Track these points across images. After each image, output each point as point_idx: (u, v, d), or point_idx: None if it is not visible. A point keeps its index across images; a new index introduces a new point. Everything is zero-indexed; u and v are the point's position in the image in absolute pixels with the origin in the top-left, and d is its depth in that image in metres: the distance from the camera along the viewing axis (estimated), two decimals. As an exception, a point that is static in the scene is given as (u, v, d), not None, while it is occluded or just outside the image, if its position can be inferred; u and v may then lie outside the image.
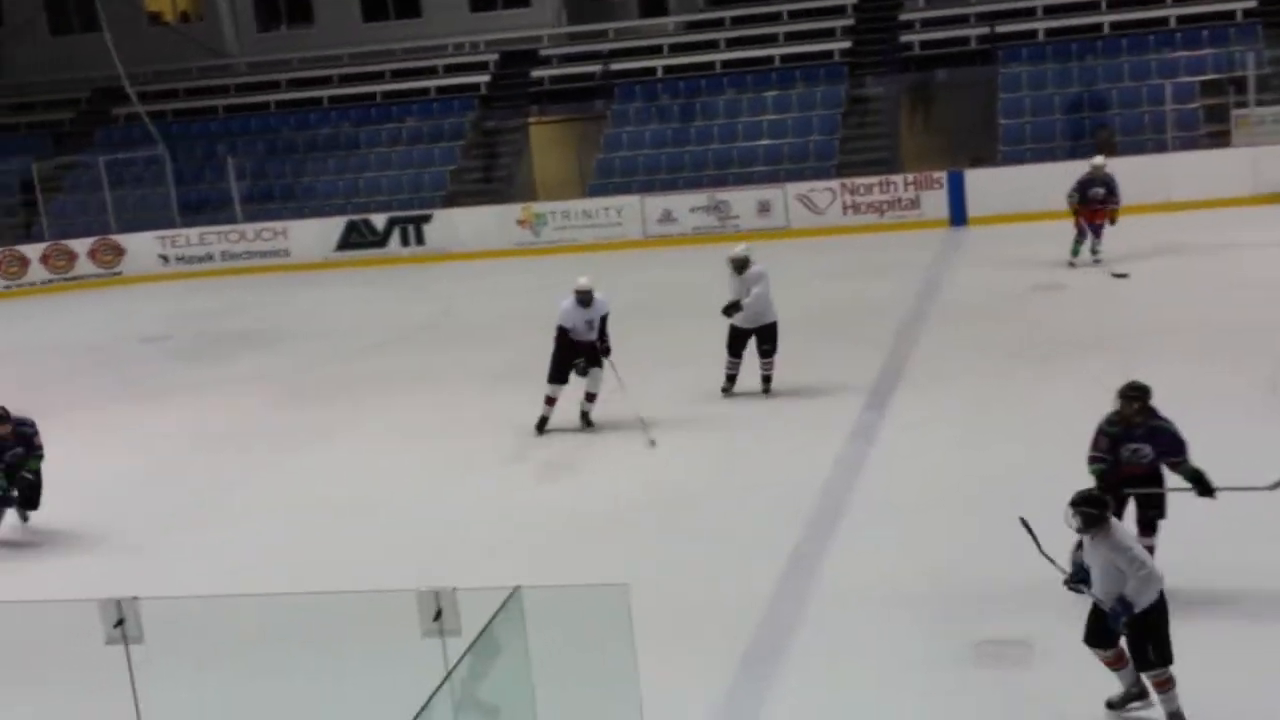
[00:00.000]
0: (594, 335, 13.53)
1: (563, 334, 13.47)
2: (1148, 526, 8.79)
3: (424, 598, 7.04)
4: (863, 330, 16.78)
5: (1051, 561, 7.41)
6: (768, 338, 14.26)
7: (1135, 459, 8.67)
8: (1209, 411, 11.96)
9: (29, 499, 11.62)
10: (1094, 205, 18.84)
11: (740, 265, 14.11)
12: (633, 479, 12.15)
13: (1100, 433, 8.77)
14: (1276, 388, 12.78)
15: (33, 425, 11.65)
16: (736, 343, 14.34)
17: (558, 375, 13.56)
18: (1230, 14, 26.38)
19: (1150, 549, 8.21)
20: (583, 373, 13.47)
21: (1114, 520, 7.35)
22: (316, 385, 17.02)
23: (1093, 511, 7.21)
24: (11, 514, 11.74)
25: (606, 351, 13.56)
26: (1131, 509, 8.75)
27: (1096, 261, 18.91)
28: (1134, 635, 7.18)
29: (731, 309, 14.10)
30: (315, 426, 14.98)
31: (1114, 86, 25.68)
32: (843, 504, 11.04)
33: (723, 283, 14.22)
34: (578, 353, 13.46)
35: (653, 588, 7.63)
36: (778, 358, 14.27)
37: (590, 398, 13.73)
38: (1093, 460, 8.74)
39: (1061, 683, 7.85)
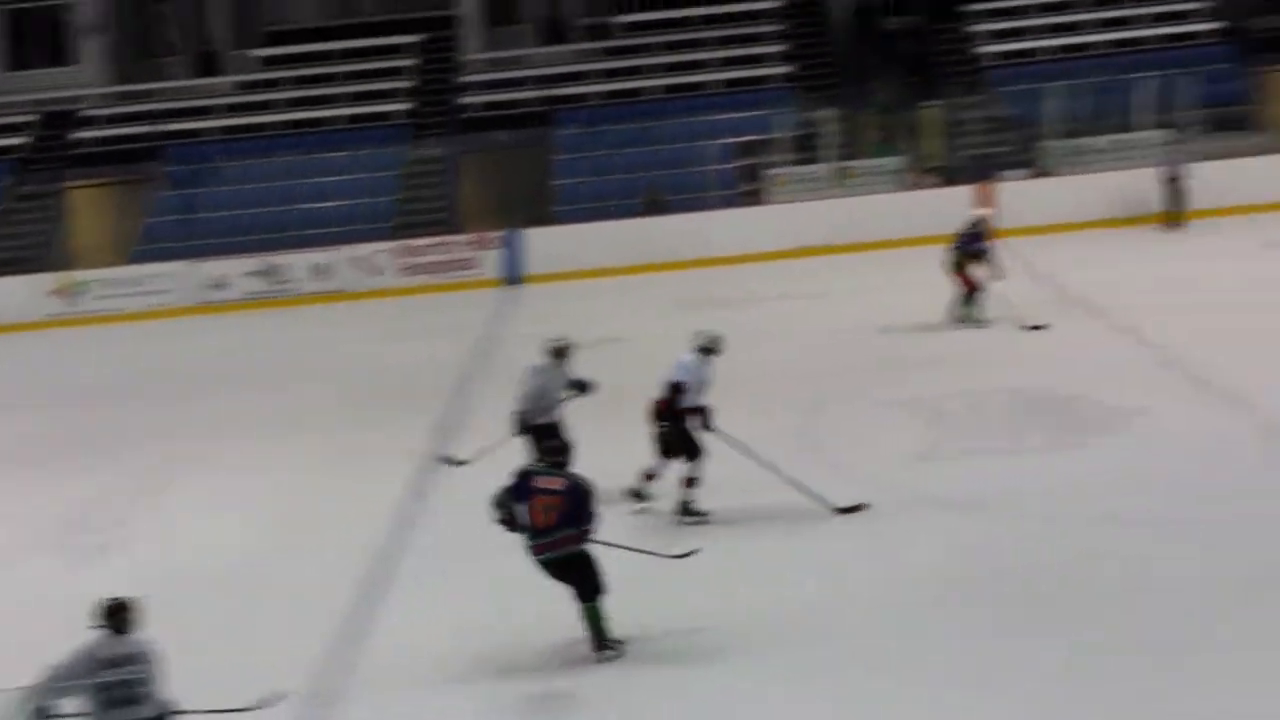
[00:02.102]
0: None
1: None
2: None
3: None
4: (417, 391, 16.64)
5: None
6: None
7: None
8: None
9: None
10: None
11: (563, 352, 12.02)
12: (184, 549, 11.81)
13: None
14: (801, 435, 13.38)
15: None
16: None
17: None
18: (767, 79, 28.02)
19: None
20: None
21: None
22: None
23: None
24: None
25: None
26: None
27: (978, 322, 17.00)
28: None
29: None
30: None
31: (663, 148, 26.70)
32: (395, 566, 10.99)
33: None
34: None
35: (201, 657, 7.31)
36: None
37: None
38: None
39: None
